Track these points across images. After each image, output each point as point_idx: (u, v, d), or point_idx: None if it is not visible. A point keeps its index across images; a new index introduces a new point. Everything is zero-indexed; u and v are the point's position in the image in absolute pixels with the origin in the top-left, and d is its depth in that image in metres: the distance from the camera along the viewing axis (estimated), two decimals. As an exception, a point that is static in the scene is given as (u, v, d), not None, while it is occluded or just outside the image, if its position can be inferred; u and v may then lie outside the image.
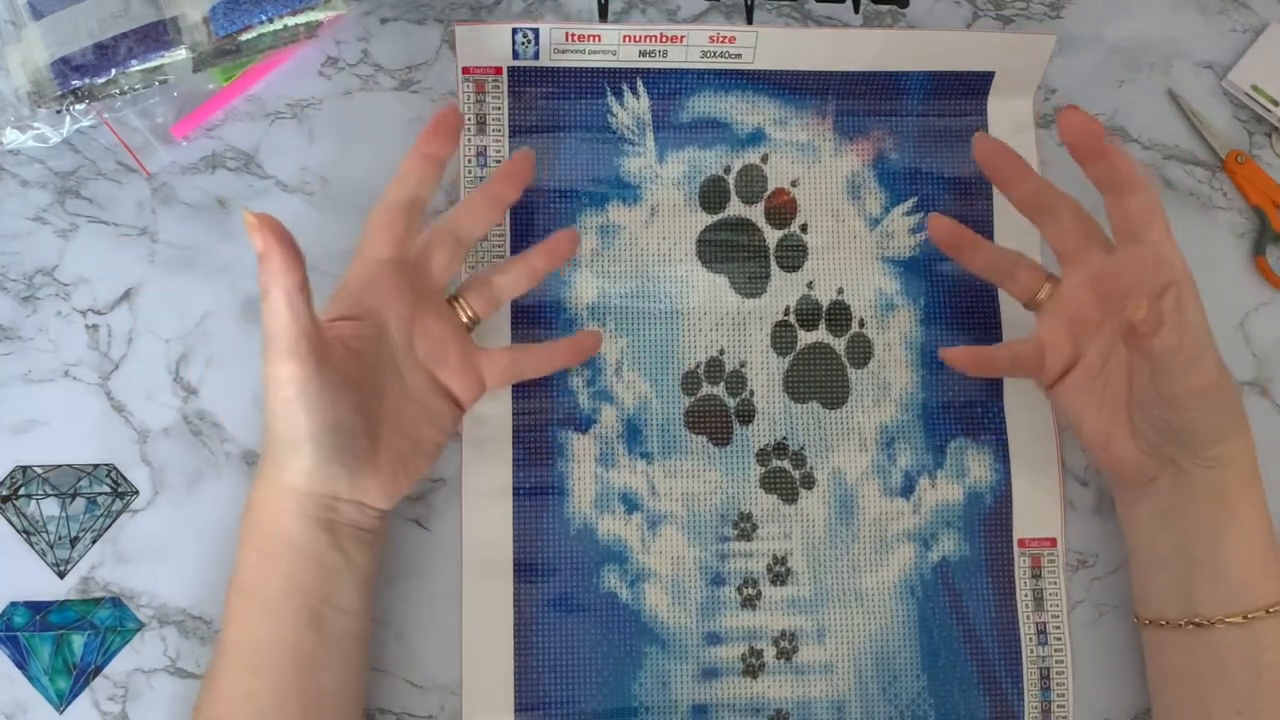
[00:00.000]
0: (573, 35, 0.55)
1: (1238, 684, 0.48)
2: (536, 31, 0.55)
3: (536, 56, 0.56)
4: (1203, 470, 0.48)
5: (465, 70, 0.56)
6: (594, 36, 0.56)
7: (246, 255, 0.56)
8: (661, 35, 0.56)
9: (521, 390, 0.55)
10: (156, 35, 0.52)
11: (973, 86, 0.58)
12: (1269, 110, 0.59)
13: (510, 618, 0.53)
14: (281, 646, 0.46)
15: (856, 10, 0.59)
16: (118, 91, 0.52)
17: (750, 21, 0.59)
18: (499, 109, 0.56)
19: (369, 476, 0.48)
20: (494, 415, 0.54)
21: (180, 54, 0.52)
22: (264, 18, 0.52)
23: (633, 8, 0.59)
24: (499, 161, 0.56)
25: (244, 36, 0.53)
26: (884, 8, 0.59)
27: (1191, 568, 0.49)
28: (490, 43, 0.56)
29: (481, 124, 0.56)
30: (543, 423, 0.55)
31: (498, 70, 0.56)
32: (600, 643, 0.53)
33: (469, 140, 0.56)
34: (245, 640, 0.47)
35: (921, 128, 0.58)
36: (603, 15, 0.58)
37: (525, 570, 0.54)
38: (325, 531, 0.47)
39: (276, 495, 0.47)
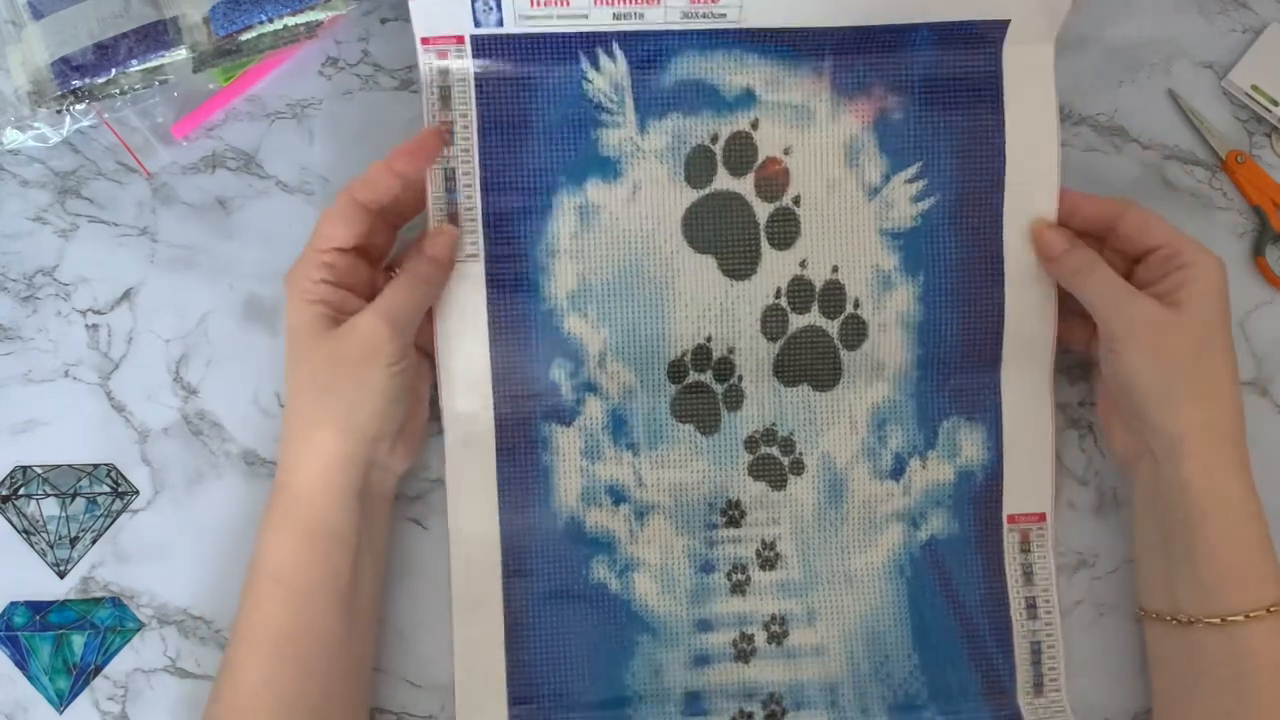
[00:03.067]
0: (537, 1, 0.50)
1: (1223, 683, 0.48)
2: (498, 0, 0.50)
3: (500, 24, 0.51)
4: (1163, 452, 0.49)
5: (425, 41, 0.51)
6: (562, 1, 0.51)
7: (246, 255, 0.56)
8: None
9: (503, 384, 0.54)
10: (156, 35, 0.52)
11: (985, 35, 0.53)
12: (1269, 110, 0.59)
13: (500, 612, 0.53)
14: (309, 631, 0.47)
15: None
16: (118, 91, 0.52)
17: None
18: (464, 81, 0.52)
19: (400, 436, 0.51)
20: (476, 411, 0.54)
21: (180, 54, 0.52)
22: (264, 18, 0.52)
23: None
24: (466, 140, 0.53)
25: (244, 36, 0.53)
26: None
27: (1173, 562, 0.49)
28: (448, 12, 0.51)
29: (445, 98, 0.52)
30: (526, 416, 0.54)
31: (459, 39, 0.51)
32: (592, 634, 0.53)
33: (434, 116, 0.52)
34: (273, 626, 0.47)
35: (929, 82, 0.54)
36: None
37: (514, 564, 0.53)
38: (360, 503, 0.49)
39: (323, 469, 0.48)
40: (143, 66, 0.52)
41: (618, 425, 0.54)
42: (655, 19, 0.52)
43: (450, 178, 0.53)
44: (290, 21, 0.53)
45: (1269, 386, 0.58)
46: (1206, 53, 0.60)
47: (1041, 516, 0.55)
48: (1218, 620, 0.48)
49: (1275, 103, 0.59)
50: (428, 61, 0.52)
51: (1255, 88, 0.59)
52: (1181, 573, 0.49)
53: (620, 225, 0.54)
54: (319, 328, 0.48)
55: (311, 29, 0.54)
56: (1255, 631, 0.47)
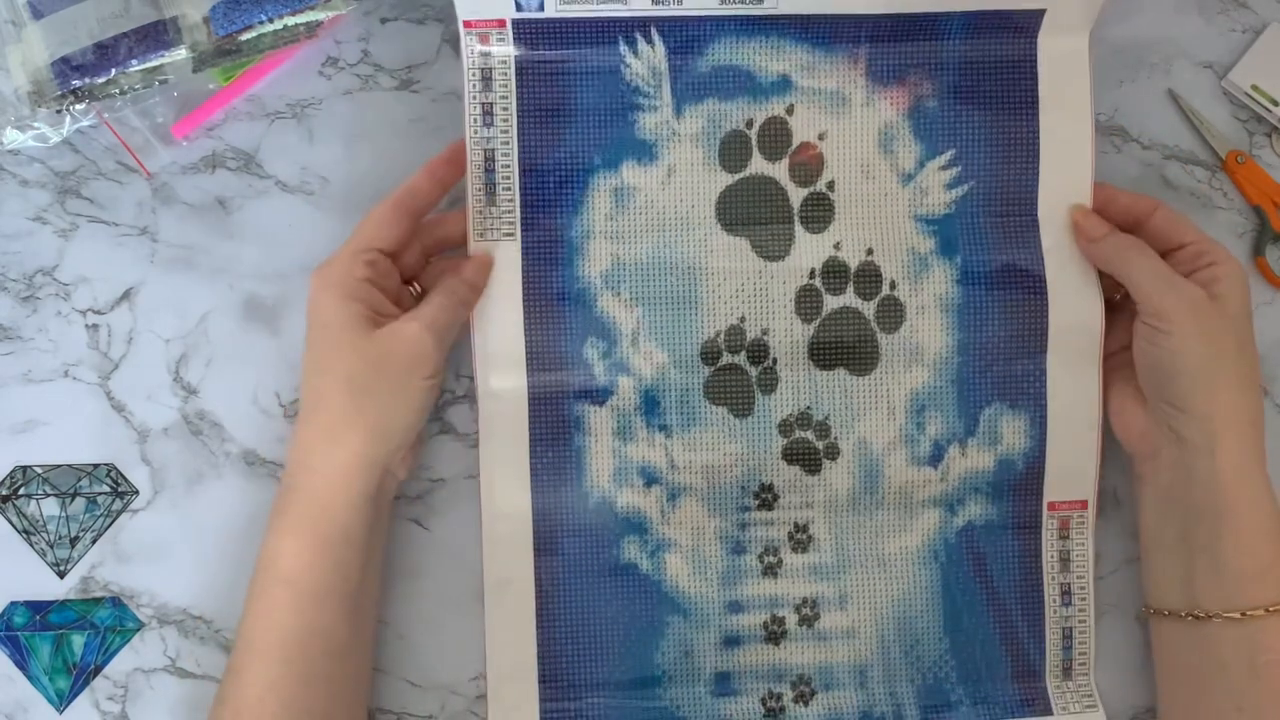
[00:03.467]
0: None
1: (1236, 680, 0.48)
2: None
3: (541, 9, 0.52)
4: (1198, 439, 0.49)
5: (467, 24, 0.53)
6: None
7: (246, 255, 0.56)
8: None
9: (537, 363, 0.54)
10: (156, 35, 0.52)
11: (1021, 24, 0.54)
12: (1269, 110, 0.59)
13: (532, 590, 0.53)
14: (315, 636, 0.47)
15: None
16: (118, 91, 0.52)
17: None
18: (505, 64, 0.53)
19: (409, 445, 0.51)
20: (510, 389, 0.54)
21: (180, 54, 0.52)
22: (264, 18, 0.52)
23: None
24: (506, 121, 0.54)
25: (244, 36, 0.53)
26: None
27: (1193, 556, 0.49)
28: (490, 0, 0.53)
29: (487, 80, 0.53)
30: (559, 396, 0.54)
31: (501, 23, 0.53)
32: (622, 613, 0.54)
33: (474, 98, 0.53)
34: (279, 629, 0.47)
35: (963, 71, 0.54)
36: None
37: (545, 543, 0.54)
38: (372, 507, 0.49)
39: (344, 472, 0.48)
40: (143, 66, 0.52)
41: (650, 406, 0.54)
42: (694, 4, 0.53)
43: (490, 158, 0.54)
44: (290, 21, 0.53)
45: (1269, 386, 0.58)
46: (1206, 53, 0.60)
47: (1083, 504, 0.55)
48: (1237, 615, 0.48)
49: (1275, 103, 0.59)
50: (470, 44, 0.53)
51: (1255, 88, 0.59)
52: (1202, 566, 0.49)
53: (655, 207, 0.55)
54: (359, 327, 0.48)
55: (311, 29, 0.54)
56: (1272, 627, 0.48)
